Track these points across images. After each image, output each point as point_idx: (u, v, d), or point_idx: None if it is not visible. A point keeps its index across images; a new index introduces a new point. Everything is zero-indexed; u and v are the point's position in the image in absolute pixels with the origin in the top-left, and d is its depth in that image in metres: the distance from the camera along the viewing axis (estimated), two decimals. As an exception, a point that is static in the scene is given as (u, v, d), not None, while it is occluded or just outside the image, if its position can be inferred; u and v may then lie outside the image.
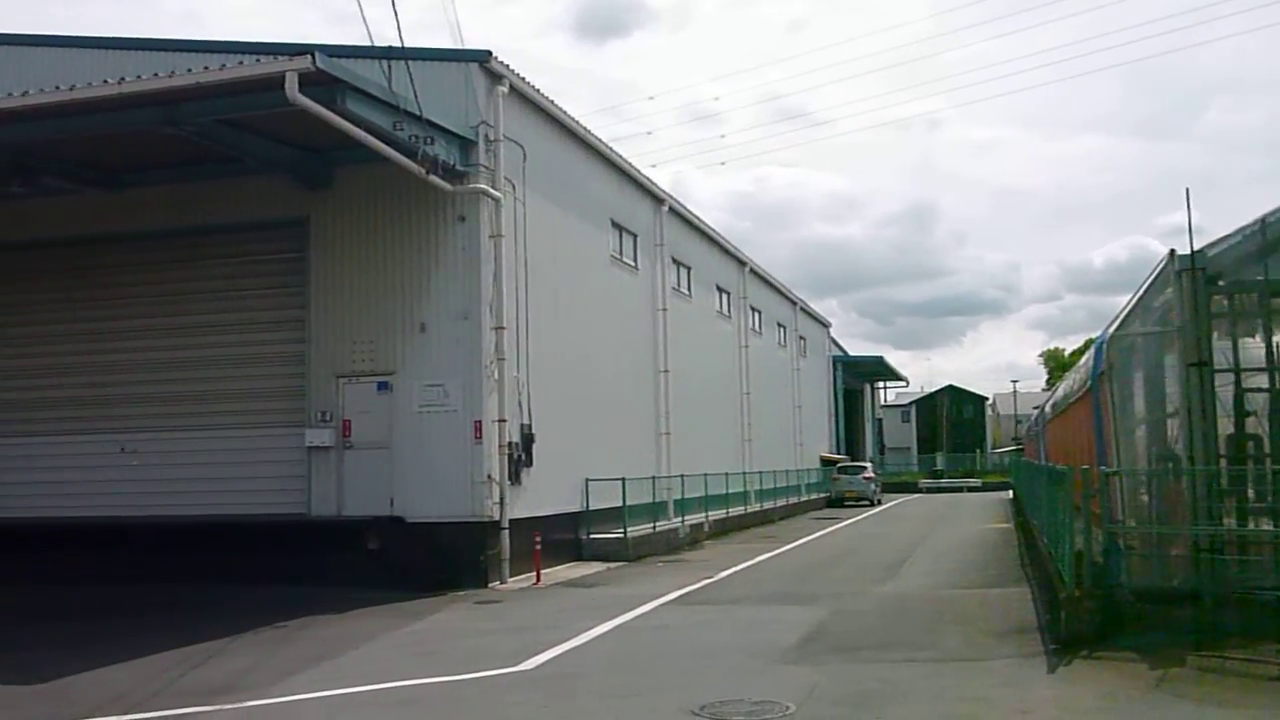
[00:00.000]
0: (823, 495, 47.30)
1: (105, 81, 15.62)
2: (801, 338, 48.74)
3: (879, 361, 66.66)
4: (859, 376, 67.01)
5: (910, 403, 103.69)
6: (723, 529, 29.81)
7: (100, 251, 21.08)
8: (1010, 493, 47.62)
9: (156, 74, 15.54)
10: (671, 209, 28.92)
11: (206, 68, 15.22)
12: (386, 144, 16.57)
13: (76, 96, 15.56)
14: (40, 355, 21.42)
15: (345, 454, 19.09)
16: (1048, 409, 27.67)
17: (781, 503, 39.03)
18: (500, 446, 18.53)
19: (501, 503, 18.40)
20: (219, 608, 16.28)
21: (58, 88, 15.83)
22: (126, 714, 9.62)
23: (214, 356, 20.36)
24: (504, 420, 18.63)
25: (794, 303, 47.66)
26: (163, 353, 20.63)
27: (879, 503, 48.72)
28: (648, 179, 27.15)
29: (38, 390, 21.35)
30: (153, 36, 20.55)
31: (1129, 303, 13.35)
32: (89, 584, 18.88)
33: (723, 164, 77.33)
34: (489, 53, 18.73)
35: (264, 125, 17.39)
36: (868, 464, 54.09)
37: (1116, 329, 13.18)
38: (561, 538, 21.04)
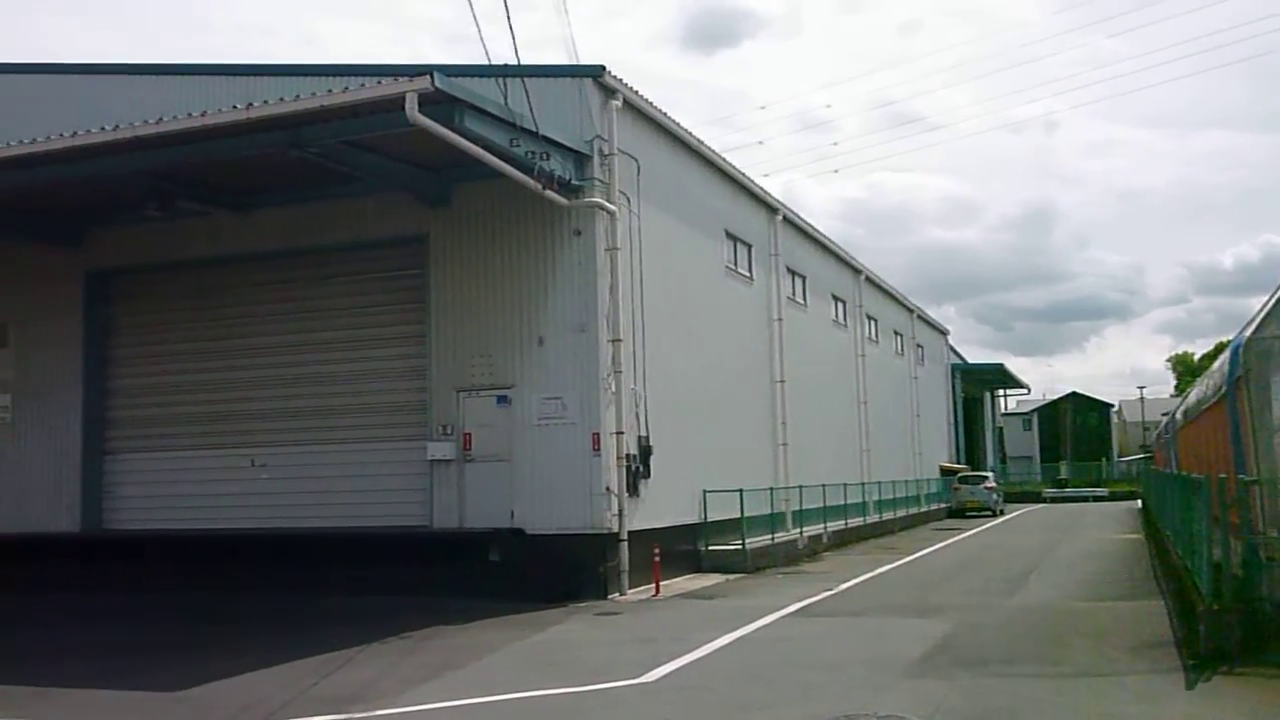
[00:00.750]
0: (943, 506, 46.52)
1: (234, 107, 16.14)
2: (919, 345, 48.05)
3: (999, 369, 65.38)
4: (979, 384, 65.80)
5: (1032, 410, 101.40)
6: (842, 540, 29.50)
7: (230, 271, 21.76)
8: (1139, 502, 46.25)
9: (282, 99, 15.97)
10: (785, 218, 28.77)
11: (330, 90, 15.59)
12: (503, 160, 16.80)
13: (209, 122, 16.10)
14: (176, 372, 22.18)
15: (466, 467, 19.37)
16: (1179, 415, 26.79)
17: (901, 513, 38.48)
18: (618, 458, 18.61)
19: (620, 514, 18.47)
20: (346, 618, 16.62)
21: (190, 114, 16.38)
22: (262, 722, 9.88)
23: (338, 372, 20.88)
24: (621, 432, 18.71)
25: (910, 310, 47.02)
26: (290, 369, 21.22)
27: (1001, 513, 47.72)
28: (761, 188, 27.06)
29: (174, 406, 22.11)
30: (275, 62, 21.09)
31: (1266, 304, 12.85)
32: (222, 593, 19.43)
33: (835, 171, 77.04)
34: (602, 68, 18.87)
35: (385, 145, 17.76)
36: (989, 473, 53.02)
37: (1253, 332, 12.70)
38: (680, 549, 21.04)
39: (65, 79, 23.04)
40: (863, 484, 34.00)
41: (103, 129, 16.84)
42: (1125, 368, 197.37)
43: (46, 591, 20.66)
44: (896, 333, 44.08)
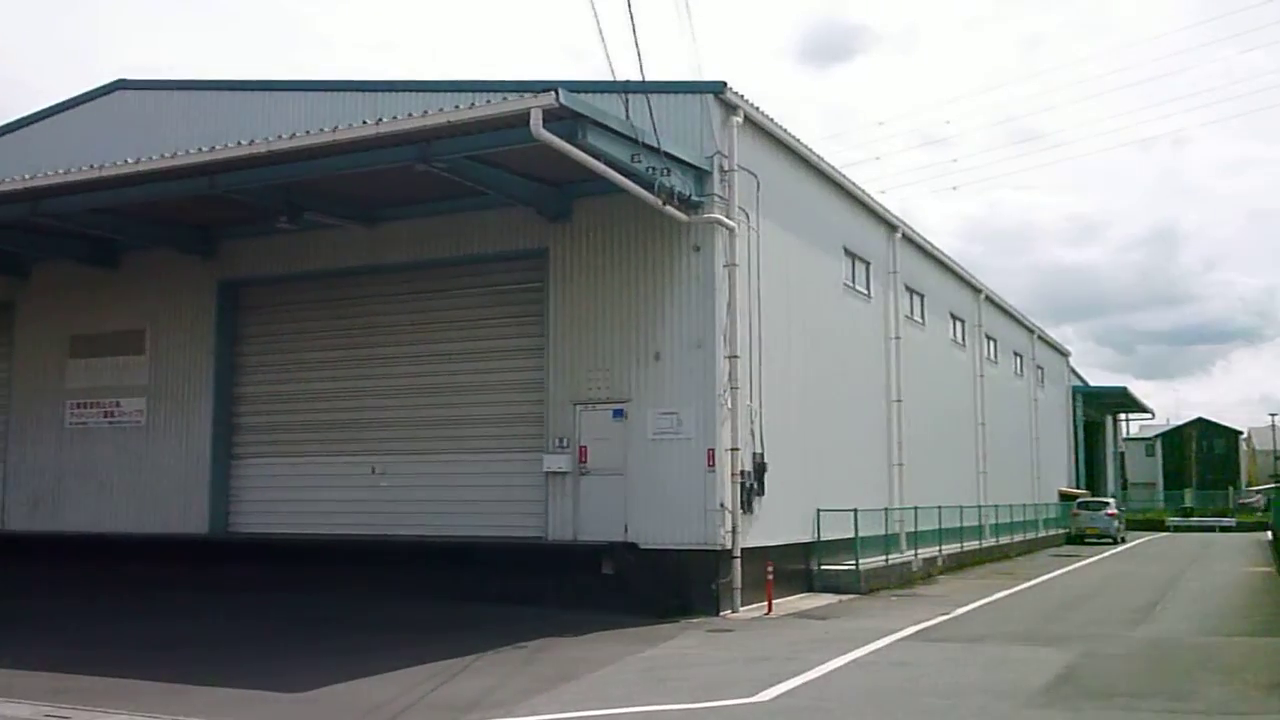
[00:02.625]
0: (1062, 531, 45.38)
1: (364, 122, 16.54)
2: (1039, 367, 47.02)
3: (1122, 392, 63.58)
4: (1100, 408, 64.08)
5: (1156, 436, 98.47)
6: (957, 563, 28.96)
7: (356, 283, 22.27)
8: (1269, 534, 44.52)
9: (410, 114, 16.30)
10: (904, 235, 28.43)
11: (457, 106, 15.88)
12: (625, 176, 16.91)
13: (339, 137, 16.52)
14: (302, 380, 22.75)
15: (582, 480, 19.49)
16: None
17: (1018, 538, 37.64)
18: (733, 475, 18.55)
19: (734, 531, 18.41)
20: (462, 626, 16.83)
21: (321, 129, 16.85)
22: (383, 726, 10.06)
23: (458, 383, 21.20)
24: (737, 449, 18.65)
25: (1031, 331, 46.04)
26: (411, 379, 21.61)
27: (1122, 540, 46.38)
28: (880, 205, 26.79)
29: (299, 413, 22.68)
30: (402, 79, 21.57)
31: None
32: (341, 599, 19.85)
33: (955, 188, 75.75)
34: (724, 84, 18.89)
35: (508, 160, 18.02)
36: (1110, 500, 51.56)
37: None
38: (792, 568, 20.88)
39: (201, 95, 23.87)
40: (979, 507, 33.34)
41: (238, 144, 17.41)
42: (1254, 393, 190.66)
43: (175, 591, 21.34)
44: (1016, 353, 43.20)
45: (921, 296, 30.42)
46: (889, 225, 27.59)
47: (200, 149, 17.84)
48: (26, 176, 19.17)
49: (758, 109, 19.98)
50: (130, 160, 18.34)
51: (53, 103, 25.83)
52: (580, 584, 18.59)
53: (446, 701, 11.14)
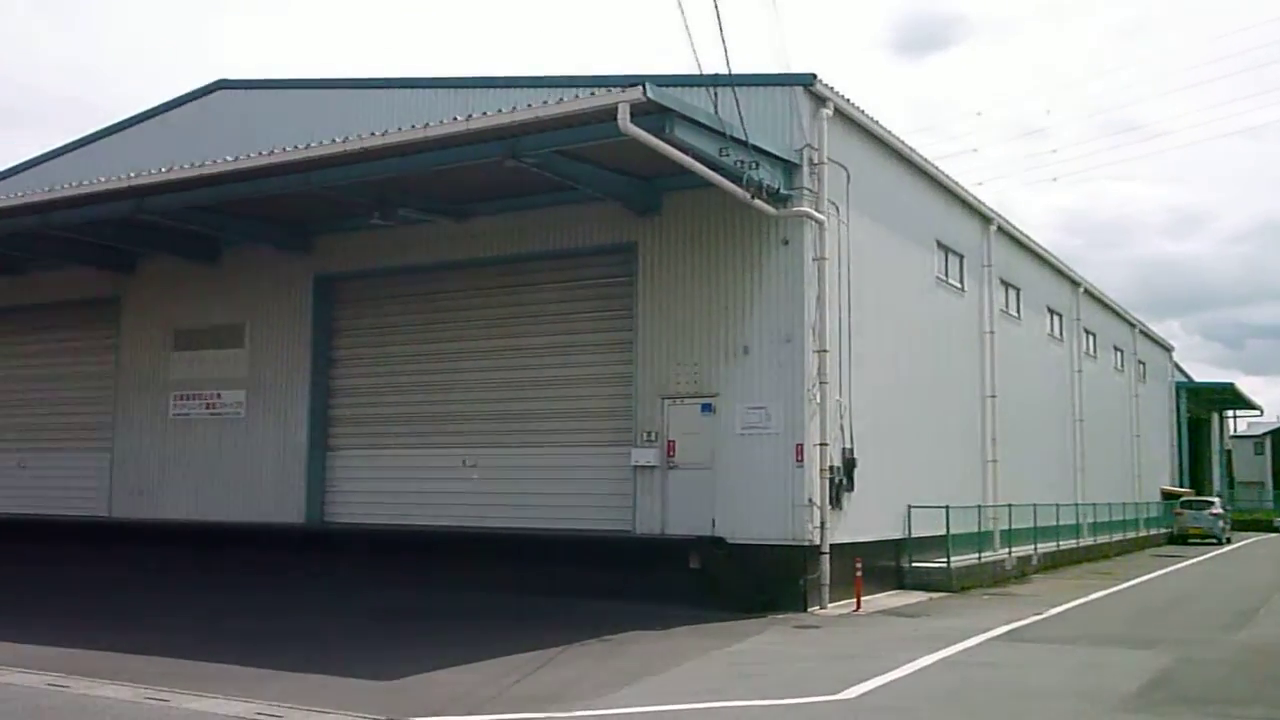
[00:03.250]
0: (1163, 531, 44.25)
1: (454, 119, 16.73)
2: (1140, 362, 45.89)
3: (1229, 388, 61.75)
4: (1205, 404, 62.34)
5: (1265, 434, 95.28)
6: (1052, 562, 28.41)
7: (447, 277, 22.54)
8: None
9: (499, 110, 16.46)
10: (1000, 228, 27.93)
11: (545, 102, 15.99)
12: (713, 170, 16.87)
13: (430, 134, 16.74)
14: (394, 373, 23.11)
15: (669, 474, 19.51)
16: None
17: (1117, 537, 36.80)
18: (821, 470, 18.42)
19: (822, 527, 18.28)
20: (548, 618, 16.97)
21: (413, 126, 17.08)
22: (467, 715, 10.18)
23: (547, 377, 21.35)
24: (825, 444, 18.52)
25: (1132, 325, 44.96)
26: (501, 373, 21.82)
27: (1227, 541, 45.07)
28: (974, 197, 26.36)
29: (392, 406, 23.04)
30: (491, 75, 21.75)
31: None
32: (431, 589, 20.12)
33: (1054, 180, 74.06)
34: (813, 76, 18.74)
35: (596, 155, 18.08)
36: (1215, 499, 50.10)
37: None
38: (882, 565, 20.67)
39: (297, 93, 24.36)
40: (1076, 505, 32.67)
41: (333, 141, 17.72)
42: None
43: (271, 579, 21.85)
44: (1116, 348, 42.23)
45: (1017, 290, 29.87)
46: (983, 218, 27.14)
47: (296, 147, 18.21)
48: (132, 175, 19.76)
49: (848, 100, 19.79)
50: (230, 158, 18.80)
51: (157, 102, 26.56)
52: (666, 578, 18.61)
53: (530, 692, 11.23)
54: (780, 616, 17.23)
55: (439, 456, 22.25)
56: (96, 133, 27.09)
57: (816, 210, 18.68)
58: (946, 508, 21.89)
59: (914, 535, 21.65)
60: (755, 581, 18.06)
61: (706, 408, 19.24)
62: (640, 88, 14.97)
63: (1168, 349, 53.68)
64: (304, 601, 19.34)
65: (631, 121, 15.11)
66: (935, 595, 20.81)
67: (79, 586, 21.53)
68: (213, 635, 15.56)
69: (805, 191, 18.67)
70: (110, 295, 26.55)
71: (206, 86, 25.74)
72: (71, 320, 27.59)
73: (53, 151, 27.63)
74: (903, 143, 22.18)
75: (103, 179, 20.29)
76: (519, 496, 21.16)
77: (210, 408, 24.80)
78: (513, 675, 12.12)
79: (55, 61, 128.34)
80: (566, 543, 20.11)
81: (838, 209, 19.42)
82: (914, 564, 21.69)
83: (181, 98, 26.04)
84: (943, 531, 21.81)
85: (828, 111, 19.05)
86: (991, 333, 26.90)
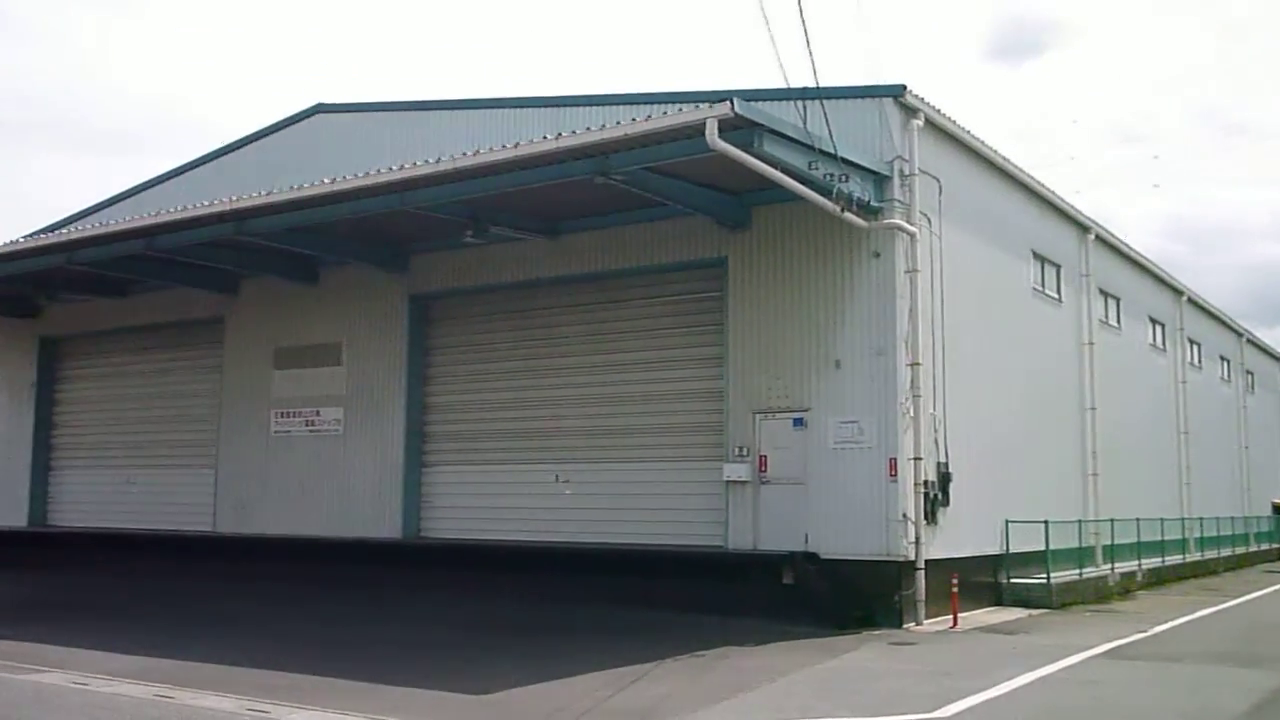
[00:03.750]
0: (1275, 547, 42.85)
1: (545, 137, 16.94)
2: (1248, 372, 44.56)
3: (1342, 398, 59.63)
4: (1318, 415, 60.24)
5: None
6: (1157, 578, 27.69)
7: (539, 294, 22.77)
8: None
9: (588, 128, 16.61)
10: (1098, 236, 27.38)
11: (634, 119, 16.10)
12: (802, 183, 16.83)
13: (521, 153, 16.96)
14: (490, 390, 23.38)
15: (761, 489, 19.45)
16: None
17: (1225, 552, 35.70)
18: (916, 484, 18.22)
19: (917, 542, 18.08)
20: (641, 633, 16.99)
21: (504, 145, 17.32)
22: (561, 730, 10.24)
23: (638, 392, 21.44)
24: (919, 458, 18.32)
25: (1239, 334, 43.68)
26: (593, 388, 21.96)
27: (1344, 557, 43.49)
28: (1071, 206, 25.87)
29: (485, 422, 23.31)
30: (580, 93, 21.95)
31: None
32: (523, 603, 20.29)
33: (1156, 186, 72.21)
34: (903, 87, 18.60)
35: (685, 170, 18.14)
36: (1330, 513, 48.37)
37: None
38: (979, 580, 20.34)
39: (392, 115, 24.83)
40: (1182, 519, 31.82)
41: (426, 162, 18.03)
42: None
43: (369, 592, 22.20)
44: (1223, 358, 41.06)
45: (1117, 299, 29.25)
46: (1081, 226, 26.64)
47: (391, 168, 18.58)
48: (234, 198, 20.33)
49: (939, 111, 19.60)
50: (327, 180, 19.23)
51: (258, 127, 27.27)
52: (760, 593, 18.54)
53: (625, 707, 11.27)
54: (875, 633, 17.06)
55: (531, 472, 22.45)
56: (200, 158, 27.89)
57: (908, 222, 18.52)
58: (1046, 522, 21.47)
59: (1012, 551, 21.27)
60: (849, 597, 17.91)
61: (798, 422, 19.15)
62: (728, 103, 15.00)
63: (1278, 358, 52.07)
64: (400, 615, 19.62)
65: (720, 137, 15.15)
66: (1035, 612, 20.41)
67: (185, 599, 22.11)
68: (312, 648, 15.86)
69: (896, 203, 18.52)
70: (215, 315, 27.26)
71: (305, 111, 26.35)
72: (178, 340, 28.41)
73: (159, 177, 28.49)
74: (996, 152, 21.89)
75: (205, 203, 20.91)
76: (611, 511, 21.25)
77: (310, 425, 25.32)
78: (607, 690, 12.17)
79: (161, 88, 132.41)
80: (659, 558, 20.14)
81: (930, 220, 19.23)
82: (1012, 580, 21.30)
83: (281, 122, 26.71)
84: (1042, 547, 21.39)
85: (918, 122, 18.89)
86: (1091, 344, 26.36)
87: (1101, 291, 27.90)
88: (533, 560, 21.51)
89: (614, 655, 14.44)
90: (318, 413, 25.22)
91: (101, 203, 29.17)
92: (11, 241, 24.10)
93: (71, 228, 26.40)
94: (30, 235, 25.98)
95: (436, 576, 22.39)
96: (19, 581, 25.94)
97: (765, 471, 19.44)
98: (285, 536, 25.06)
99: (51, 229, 27.84)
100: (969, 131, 20.78)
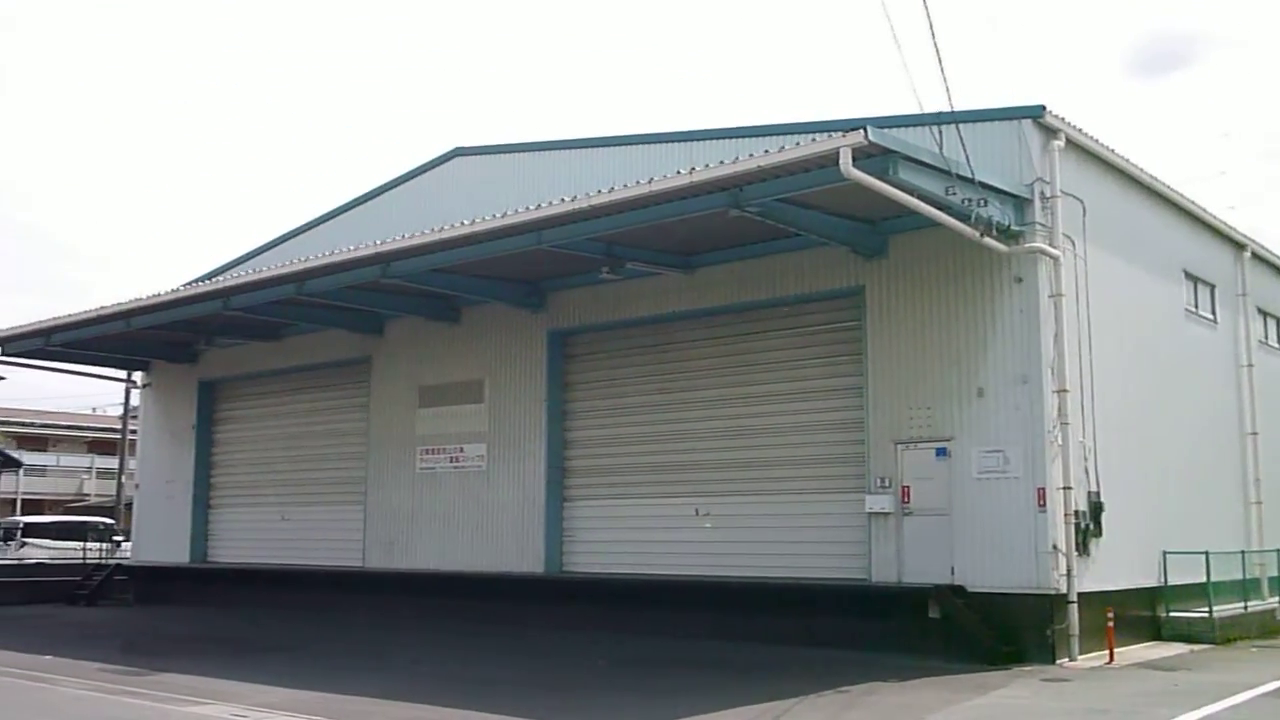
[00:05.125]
0: None
1: (678, 172, 17.04)
2: None
3: None
4: None
5: None
6: (1330, 612, 26.22)
7: (676, 328, 22.84)
8: None
9: (721, 161, 16.66)
10: (1254, 254, 26.27)
11: (766, 150, 16.10)
12: (939, 209, 16.58)
13: (654, 188, 17.10)
14: (628, 424, 23.49)
15: (905, 520, 19.11)
16: None
17: (1406, 584, 33.64)
18: (1065, 515, 17.68)
19: (1069, 574, 17.51)
20: (783, 668, 16.82)
21: (638, 182, 17.47)
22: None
23: (776, 424, 21.30)
24: (1069, 488, 17.78)
25: None
26: (730, 421, 21.89)
27: None
28: (1224, 223, 24.90)
29: (625, 456, 23.42)
30: (710, 127, 22.06)
31: None
32: (665, 637, 20.28)
33: (1315, 200, 68.99)
34: (1042, 107, 18.21)
35: (819, 200, 18.03)
36: None
37: None
38: (1135, 614, 19.58)
39: (527, 156, 25.28)
40: (1356, 549, 30.11)
41: (562, 200, 18.31)
42: None
43: (513, 627, 22.49)
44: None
45: (1277, 319, 28.00)
46: (1236, 244, 25.62)
47: (528, 208, 18.93)
48: (377, 242, 20.93)
49: (1080, 130, 19.13)
50: (466, 222, 19.67)
51: (399, 173, 28.03)
52: (904, 628, 18.19)
53: (767, 744, 11.15)
54: (1027, 668, 16.55)
55: (671, 505, 22.46)
56: (345, 204, 28.79)
57: (1051, 245, 18.08)
58: (1206, 553, 20.59)
59: (1170, 583, 20.44)
60: (999, 631, 17.43)
61: (941, 452, 18.79)
62: (861, 131, 14.89)
63: None
64: (543, 649, 19.79)
65: (854, 165, 15.04)
66: (1196, 647, 19.54)
67: (335, 633, 22.70)
68: (458, 682, 16.11)
69: (1038, 226, 18.10)
70: (362, 356, 28.04)
71: (444, 155, 27.03)
72: (328, 381, 29.29)
73: (307, 224, 29.51)
74: (1142, 170, 21.24)
75: (352, 247, 21.57)
76: (752, 545, 21.12)
77: (454, 461, 25.80)
78: (749, 726, 12.05)
79: (319, 143, 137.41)
80: (801, 591, 19.92)
81: (1073, 243, 18.74)
82: (1171, 614, 20.45)
83: (421, 166, 27.43)
84: (1202, 578, 20.51)
85: (1059, 143, 18.46)
86: (1250, 365, 25.28)
87: (1260, 311, 26.76)
88: (673, 594, 21.48)
89: (757, 691, 14.32)
90: (461, 449, 25.68)
91: (254, 250, 30.34)
92: (173, 289, 25.24)
93: (226, 275, 27.51)
94: (188, 283, 27.17)
95: (578, 610, 22.54)
96: (181, 617, 27.02)
97: (908, 503, 19.11)
98: (431, 571, 25.53)
99: (208, 277, 29.05)
100: (1112, 150, 20.22)
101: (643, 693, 14.88)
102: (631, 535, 22.91)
